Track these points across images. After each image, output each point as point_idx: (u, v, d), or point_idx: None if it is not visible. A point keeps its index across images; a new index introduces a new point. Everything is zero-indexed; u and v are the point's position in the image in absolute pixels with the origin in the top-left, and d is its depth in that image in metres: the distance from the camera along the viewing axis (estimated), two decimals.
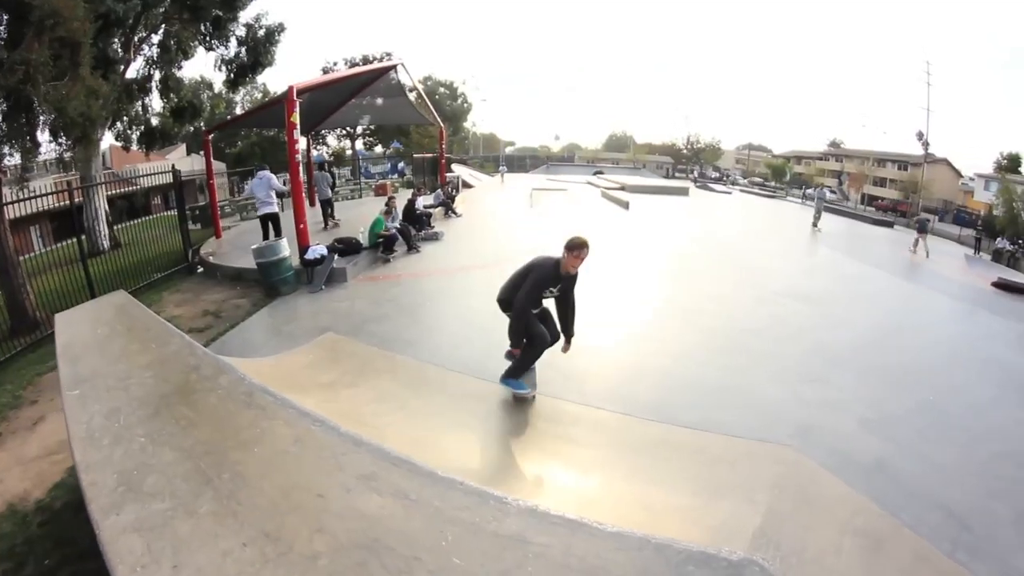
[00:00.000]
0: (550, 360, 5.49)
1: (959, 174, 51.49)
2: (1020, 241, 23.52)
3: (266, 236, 9.69)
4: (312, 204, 13.48)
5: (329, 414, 3.17)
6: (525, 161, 51.99)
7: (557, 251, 4.47)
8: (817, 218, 19.60)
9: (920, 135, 39.77)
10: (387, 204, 10.75)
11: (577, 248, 4.23)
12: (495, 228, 14.38)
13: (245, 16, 14.97)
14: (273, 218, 9.89)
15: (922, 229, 18.68)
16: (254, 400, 2.32)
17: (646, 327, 6.86)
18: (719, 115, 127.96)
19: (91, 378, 2.68)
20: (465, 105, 47.39)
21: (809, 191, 44.61)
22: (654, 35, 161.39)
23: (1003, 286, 14.26)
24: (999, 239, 24.31)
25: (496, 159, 41.73)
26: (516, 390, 4.57)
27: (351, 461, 1.87)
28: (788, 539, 3.22)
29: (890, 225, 28.36)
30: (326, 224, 12.48)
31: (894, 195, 49.69)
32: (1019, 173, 41.40)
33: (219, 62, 15.03)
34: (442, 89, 45.01)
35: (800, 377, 5.79)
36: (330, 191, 13.07)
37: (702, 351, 6.10)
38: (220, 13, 13.96)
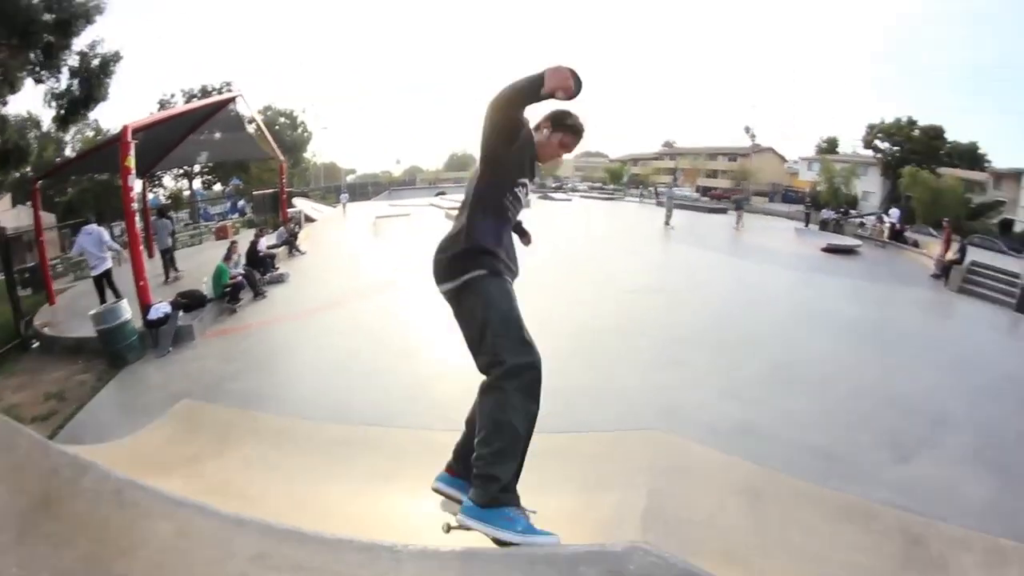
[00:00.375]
0: (410, 392, 5.48)
1: (784, 159, 60.12)
2: (841, 209, 27.80)
3: (103, 298, 8.59)
4: (151, 255, 12.17)
5: (200, 492, 2.97)
6: (367, 188, 50.87)
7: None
8: (669, 216, 21.52)
9: (747, 128, 46.00)
10: (228, 250, 10.18)
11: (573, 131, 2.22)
12: (340, 263, 14.23)
13: (79, 43, 13.49)
14: (107, 276, 8.80)
15: (738, 207, 22.57)
16: (124, 498, 2.10)
17: None
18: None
19: None
20: (305, 134, 45.65)
21: (652, 189, 49.56)
22: (488, 46, 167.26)
23: (832, 249, 17.15)
24: (824, 210, 28.28)
25: (337, 189, 40.66)
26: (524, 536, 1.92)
27: (239, 545, 1.79)
28: (674, 512, 3.48)
29: (723, 211, 32.06)
30: (167, 277, 11.48)
31: (726, 184, 55.88)
32: (837, 153, 49.18)
33: (49, 97, 13.40)
34: (282, 119, 42.88)
35: (658, 364, 6.31)
36: (170, 239, 11.92)
37: (561, 357, 6.25)
38: (52, 39, 12.42)
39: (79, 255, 9.45)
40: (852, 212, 30.19)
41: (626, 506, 3.46)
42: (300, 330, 8.36)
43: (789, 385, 5.93)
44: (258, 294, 10.01)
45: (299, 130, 44.79)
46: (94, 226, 8.82)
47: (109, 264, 8.82)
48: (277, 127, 38.59)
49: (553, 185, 61.93)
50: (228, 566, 1.72)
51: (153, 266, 12.28)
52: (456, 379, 5.56)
